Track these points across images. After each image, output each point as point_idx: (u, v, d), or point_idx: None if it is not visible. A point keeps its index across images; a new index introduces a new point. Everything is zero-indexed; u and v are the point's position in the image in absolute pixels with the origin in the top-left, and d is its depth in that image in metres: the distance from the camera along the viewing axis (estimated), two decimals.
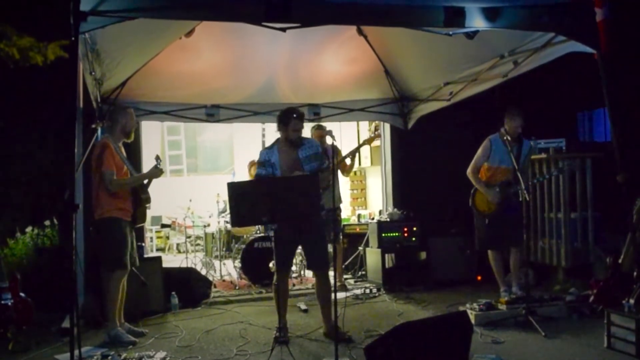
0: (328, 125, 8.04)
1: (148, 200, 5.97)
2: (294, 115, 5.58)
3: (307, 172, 5.57)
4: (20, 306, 5.82)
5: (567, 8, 4.99)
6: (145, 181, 5.97)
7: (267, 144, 12.85)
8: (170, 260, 10.00)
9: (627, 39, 6.68)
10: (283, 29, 5.36)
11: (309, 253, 5.87)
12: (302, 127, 5.68)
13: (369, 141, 8.39)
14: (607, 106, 5.13)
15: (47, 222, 7.37)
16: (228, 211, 9.90)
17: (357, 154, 8.41)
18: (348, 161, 8.18)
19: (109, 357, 5.02)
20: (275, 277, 5.78)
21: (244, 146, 14.24)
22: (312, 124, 8.08)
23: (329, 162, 5.64)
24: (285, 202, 4.90)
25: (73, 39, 4.08)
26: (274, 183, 5.42)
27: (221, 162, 15.56)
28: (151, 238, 12.46)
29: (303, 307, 6.95)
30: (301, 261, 8.84)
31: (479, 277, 8.05)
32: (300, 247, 6.22)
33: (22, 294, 5.86)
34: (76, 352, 4.32)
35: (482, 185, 6.65)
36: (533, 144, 7.31)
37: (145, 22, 4.73)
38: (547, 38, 5.53)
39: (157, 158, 6.05)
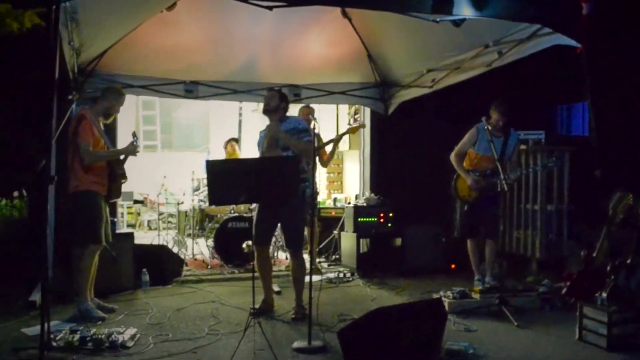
0: None
1: (124, 176, 5.87)
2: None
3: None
4: None
5: (554, 1, 5.00)
6: (122, 157, 5.86)
7: (244, 124, 12.87)
8: (141, 237, 9.87)
9: (609, 35, 6.70)
10: (269, 7, 5.27)
11: (287, 232, 5.99)
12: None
13: (352, 130, 8.21)
14: (588, 101, 5.15)
15: (15, 193, 7.21)
16: (202, 189, 9.85)
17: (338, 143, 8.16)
18: (328, 149, 7.92)
19: (78, 332, 4.91)
20: (255, 253, 5.82)
21: (220, 125, 14.12)
22: (297, 105, 7.97)
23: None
24: (264, 183, 4.84)
25: (54, 7, 3.97)
26: (254, 163, 5.41)
27: (196, 140, 15.41)
28: (122, 214, 12.31)
29: (276, 288, 6.90)
30: (275, 243, 8.80)
31: (453, 266, 8.04)
32: (279, 226, 6.23)
33: None
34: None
35: (462, 170, 6.62)
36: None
37: None
38: (533, 30, 5.53)
39: (134, 135, 5.96)
